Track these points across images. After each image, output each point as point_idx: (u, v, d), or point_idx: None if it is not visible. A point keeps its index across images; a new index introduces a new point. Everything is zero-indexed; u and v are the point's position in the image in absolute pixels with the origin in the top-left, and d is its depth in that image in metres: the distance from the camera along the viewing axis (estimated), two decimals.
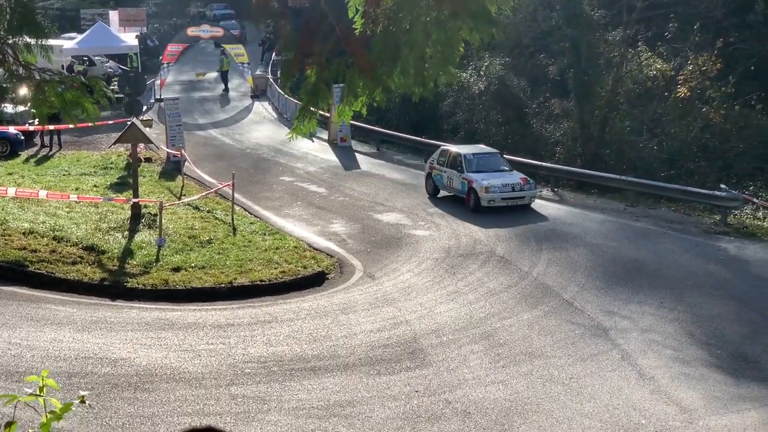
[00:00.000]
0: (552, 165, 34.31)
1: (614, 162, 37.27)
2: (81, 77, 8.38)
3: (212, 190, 27.25)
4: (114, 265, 20.98)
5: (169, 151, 31.48)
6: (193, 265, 21.25)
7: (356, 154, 35.09)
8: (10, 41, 8.57)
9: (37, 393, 3.66)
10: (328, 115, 36.25)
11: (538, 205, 28.83)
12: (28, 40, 8.64)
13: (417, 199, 29.94)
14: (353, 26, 9.85)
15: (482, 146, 31.68)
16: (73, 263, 20.79)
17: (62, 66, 41.27)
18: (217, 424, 13.52)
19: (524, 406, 14.63)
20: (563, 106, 41.78)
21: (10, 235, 21.62)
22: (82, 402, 3.67)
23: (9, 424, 3.59)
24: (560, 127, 41.50)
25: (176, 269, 20.97)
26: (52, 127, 33.08)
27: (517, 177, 29.01)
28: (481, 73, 44.52)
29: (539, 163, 33.81)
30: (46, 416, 3.57)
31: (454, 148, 30.60)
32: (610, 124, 39.87)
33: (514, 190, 28.46)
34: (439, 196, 30.19)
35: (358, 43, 9.55)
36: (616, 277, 21.86)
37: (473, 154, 29.83)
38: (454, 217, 27.51)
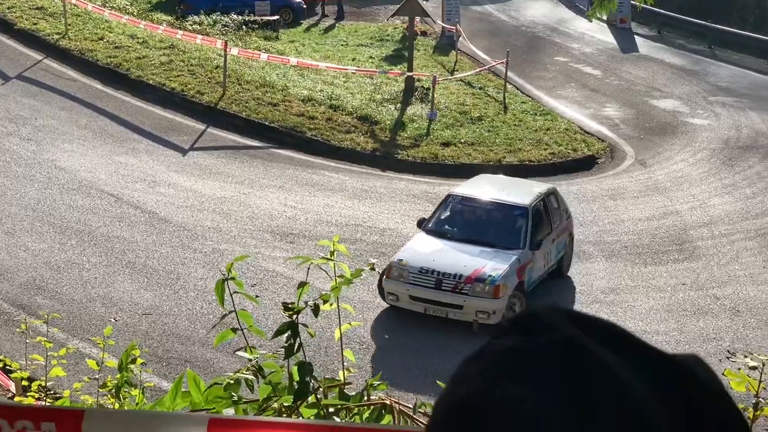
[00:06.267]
0: None
1: None
2: None
3: (485, 67, 27.10)
4: (386, 137, 21.44)
5: (445, 25, 31.46)
6: (462, 140, 21.38)
7: (635, 36, 33.77)
8: None
9: (329, 257, 3.76)
10: None
11: None
12: None
13: (697, 86, 28.52)
14: None
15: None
16: (347, 132, 21.41)
17: None
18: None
19: None
20: None
21: (290, 101, 22.48)
22: (372, 269, 3.75)
23: (302, 284, 3.72)
24: None
25: (446, 144, 21.17)
26: None
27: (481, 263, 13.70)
28: None
29: None
30: (335, 280, 3.67)
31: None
32: None
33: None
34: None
35: None
36: None
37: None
38: (735, 108, 26.08)
